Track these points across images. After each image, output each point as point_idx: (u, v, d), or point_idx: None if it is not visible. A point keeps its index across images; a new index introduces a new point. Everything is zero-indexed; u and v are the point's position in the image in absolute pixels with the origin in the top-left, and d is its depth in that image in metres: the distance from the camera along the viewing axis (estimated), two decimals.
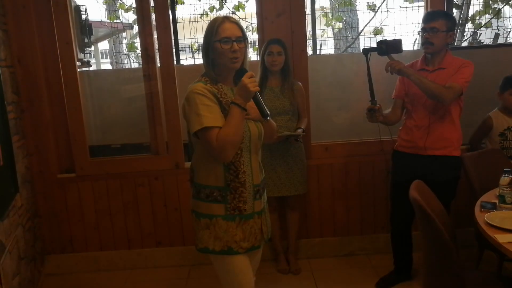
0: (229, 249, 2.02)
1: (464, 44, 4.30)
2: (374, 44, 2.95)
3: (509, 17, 4.30)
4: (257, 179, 2.07)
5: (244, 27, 4.17)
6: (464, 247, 3.19)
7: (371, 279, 3.32)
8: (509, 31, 4.28)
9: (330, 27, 4.58)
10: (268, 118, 1.98)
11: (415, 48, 4.20)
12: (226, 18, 1.99)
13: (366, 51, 2.92)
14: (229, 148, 1.91)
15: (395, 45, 2.86)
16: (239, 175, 1.99)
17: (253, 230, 2.06)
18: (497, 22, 4.35)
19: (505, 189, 2.33)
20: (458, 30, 4.07)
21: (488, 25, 4.26)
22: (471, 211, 2.46)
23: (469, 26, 4.33)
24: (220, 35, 1.94)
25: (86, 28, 3.89)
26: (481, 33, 4.37)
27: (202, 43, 2.02)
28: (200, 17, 4.43)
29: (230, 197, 1.99)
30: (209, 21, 2.04)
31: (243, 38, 1.97)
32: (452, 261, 2.10)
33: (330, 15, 4.63)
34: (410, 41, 4.26)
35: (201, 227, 2.05)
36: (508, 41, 4.23)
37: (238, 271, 2.07)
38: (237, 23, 1.99)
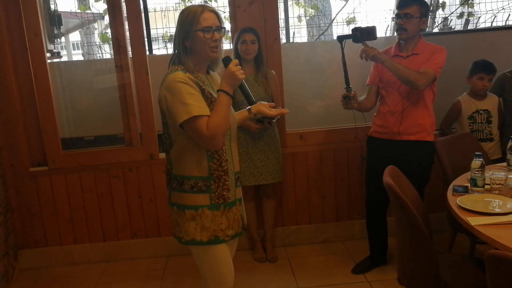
0: (216, 238, 2.02)
1: (436, 30, 4.34)
2: (347, 32, 2.95)
3: (479, 3, 4.36)
4: (237, 166, 2.10)
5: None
6: (437, 232, 3.26)
7: (347, 265, 3.36)
8: (479, 17, 4.34)
9: (303, 15, 4.56)
10: (254, 103, 2.04)
11: (387, 35, 4.23)
12: (205, 7, 1.96)
13: (341, 38, 2.91)
14: (220, 135, 1.90)
15: (370, 32, 2.86)
16: (222, 163, 1.99)
17: (236, 217, 2.09)
18: (467, 8, 4.41)
19: (476, 172, 2.36)
20: (430, 17, 4.10)
21: (461, 16, 4.32)
22: (443, 197, 2.50)
23: (439, 12, 4.38)
24: (202, 24, 1.92)
25: (56, 19, 3.79)
26: (451, 19, 4.42)
27: (176, 32, 1.99)
28: (174, 7, 4.36)
29: (214, 186, 1.99)
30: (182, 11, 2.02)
31: (221, 28, 1.97)
32: (426, 245, 2.12)
33: (303, 2, 4.61)
34: (382, 27, 4.29)
35: (187, 219, 2.01)
36: (478, 27, 4.29)
37: (221, 261, 2.08)
38: (215, 12, 1.98)
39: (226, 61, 1.97)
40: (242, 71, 1.93)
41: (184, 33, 1.94)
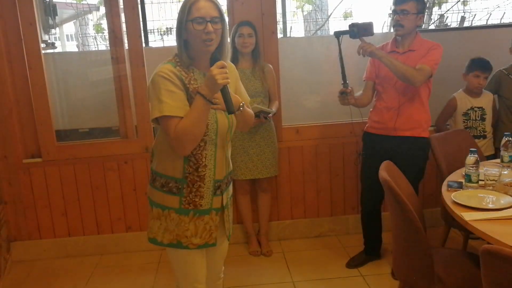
0: (178, 242, 1.91)
1: (432, 27, 4.36)
2: (344, 27, 2.95)
3: (474, 1, 4.38)
4: (220, 174, 1.93)
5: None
6: (431, 227, 3.28)
7: (341, 259, 3.38)
8: (475, 15, 4.36)
9: (300, 9, 4.56)
10: (234, 113, 1.83)
11: (384, 31, 4.24)
12: None
13: (338, 34, 2.91)
14: (187, 141, 1.77)
15: (367, 28, 2.86)
16: (199, 168, 1.86)
17: (208, 226, 1.94)
18: (463, 5, 4.43)
19: (471, 168, 2.39)
20: (426, 13, 4.12)
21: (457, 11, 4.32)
22: (437, 192, 2.52)
23: (435, 9, 4.39)
24: (193, 15, 1.76)
25: (51, 9, 3.76)
26: (447, 16, 4.44)
27: (176, 24, 1.84)
28: None
29: (186, 190, 1.87)
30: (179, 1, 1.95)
31: (220, 19, 1.80)
32: (420, 239, 2.14)
33: None
34: (379, 23, 4.30)
35: (153, 216, 1.93)
36: (474, 24, 4.31)
37: (187, 263, 1.99)
38: (213, 2, 1.80)
39: (213, 61, 1.78)
40: (226, 75, 1.72)
41: (179, 23, 1.81)
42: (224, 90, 1.75)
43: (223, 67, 1.73)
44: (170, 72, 1.77)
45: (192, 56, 1.85)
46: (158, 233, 1.93)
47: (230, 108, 1.78)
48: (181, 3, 1.85)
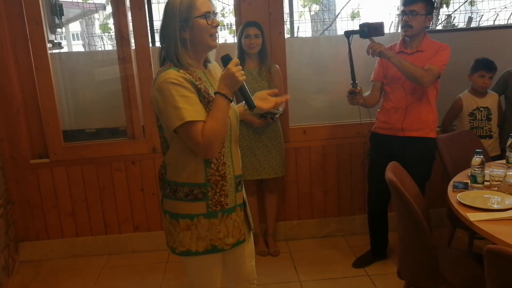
0: (213, 247, 1.87)
1: (439, 27, 4.34)
2: (352, 27, 2.94)
3: (482, 1, 4.36)
4: (238, 169, 1.92)
5: (221, 9, 4.11)
6: (437, 227, 3.28)
7: (348, 259, 3.38)
8: (482, 15, 4.34)
9: (308, 9, 4.55)
10: (254, 108, 1.84)
11: (391, 31, 4.23)
12: None
13: (348, 33, 2.90)
14: (217, 144, 1.74)
15: (377, 28, 2.85)
16: (219, 167, 1.83)
17: (236, 224, 1.91)
18: (471, 6, 4.41)
19: (476, 169, 2.38)
20: (434, 14, 4.11)
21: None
22: (443, 193, 2.52)
23: (443, 10, 4.38)
24: (201, 10, 1.74)
25: (57, 8, 3.77)
26: (455, 17, 4.42)
27: (165, 24, 1.77)
28: None
29: (211, 193, 1.83)
30: None
31: (216, 13, 1.82)
32: (426, 240, 2.15)
33: None
34: (387, 24, 4.28)
35: (181, 228, 1.86)
36: (481, 25, 4.29)
37: (211, 270, 1.96)
38: None
39: (226, 60, 1.77)
40: (243, 72, 1.75)
41: (181, 22, 1.74)
42: (242, 87, 1.78)
43: (238, 64, 1.74)
44: (178, 76, 1.71)
45: (193, 57, 1.81)
46: (191, 243, 1.87)
47: (251, 104, 1.82)
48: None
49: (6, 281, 3.16)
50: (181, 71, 1.74)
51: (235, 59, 1.76)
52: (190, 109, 1.70)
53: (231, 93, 1.76)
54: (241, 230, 1.94)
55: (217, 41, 1.82)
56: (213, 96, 1.76)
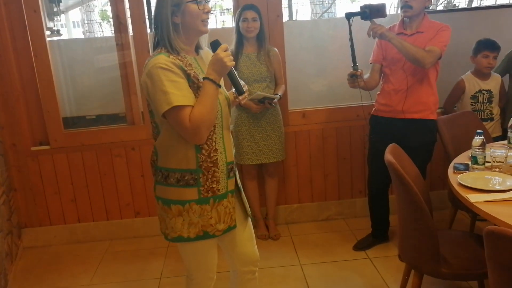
0: (204, 233, 1.89)
1: (439, 7, 4.30)
2: (350, 9, 2.90)
3: None
4: (230, 155, 1.93)
5: None
6: (438, 209, 3.27)
7: (348, 242, 3.39)
8: None
9: None
10: (244, 95, 1.85)
11: (392, 13, 4.18)
12: None
13: (349, 15, 2.86)
14: (204, 129, 1.75)
15: (380, 9, 2.80)
16: (211, 154, 1.84)
17: (227, 210, 1.93)
18: None
19: (477, 150, 2.37)
20: None
21: None
22: (444, 175, 2.50)
23: None
24: None
25: None
26: None
27: (158, 9, 1.78)
28: None
29: (203, 179, 1.84)
30: None
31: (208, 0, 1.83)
32: (426, 222, 2.15)
33: None
34: (387, 5, 4.23)
35: (173, 214, 1.88)
36: (483, 4, 4.24)
37: (207, 255, 1.99)
38: None
39: (215, 45, 1.78)
40: (231, 57, 1.76)
41: (172, 7, 1.75)
42: (231, 72, 1.80)
43: (226, 49, 1.75)
44: (167, 61, 1.72)
45: (185, 42, 1.82)
46: (183, 229, 1.89)
47: (240, 89, 1.83)
48: None
49: (9, 267, 3.19)
50: (171, 56, 1.75)
51: (224, 45, 1.76)
52: (178, 94, 1.70)
53: (219, 78, 1.77)
54: (232, 216, 1.95)
55: (207, 26, 1.83)
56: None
